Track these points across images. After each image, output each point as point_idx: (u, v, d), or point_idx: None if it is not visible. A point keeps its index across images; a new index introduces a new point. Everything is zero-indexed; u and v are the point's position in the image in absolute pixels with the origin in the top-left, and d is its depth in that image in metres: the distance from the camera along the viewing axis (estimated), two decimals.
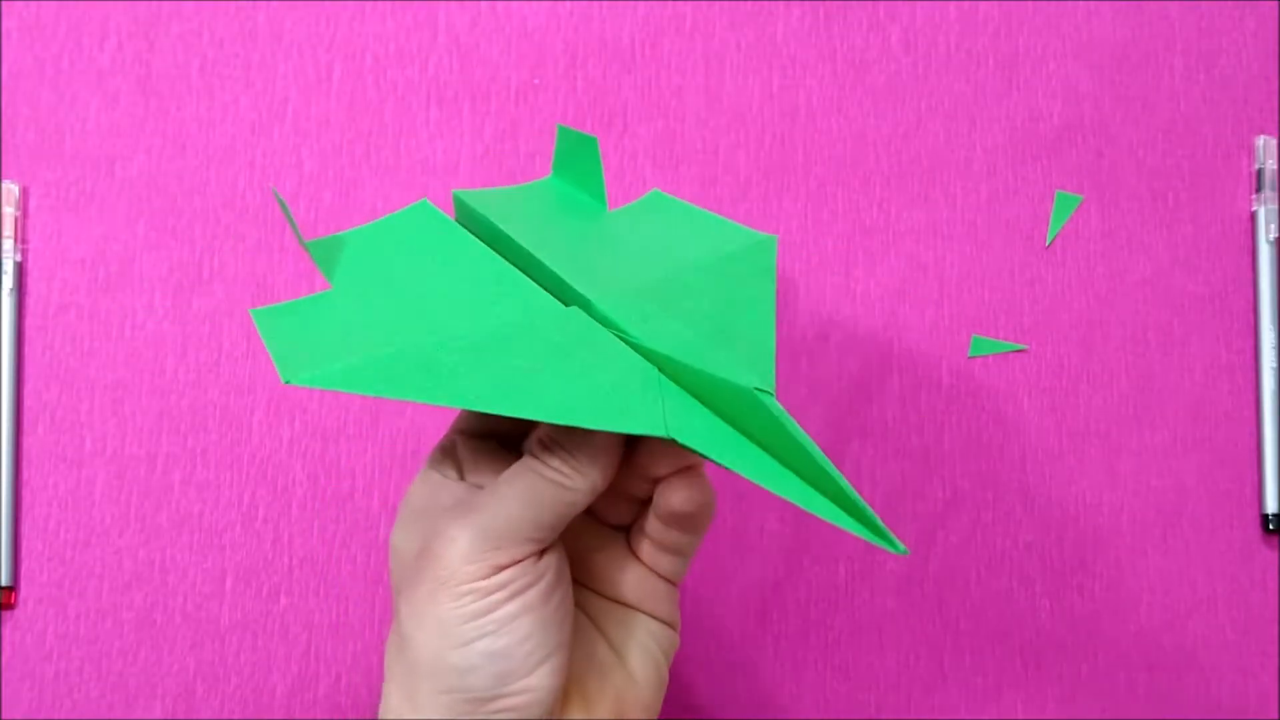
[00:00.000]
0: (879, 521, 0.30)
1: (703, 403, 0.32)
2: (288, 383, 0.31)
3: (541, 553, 0.33)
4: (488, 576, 0.32)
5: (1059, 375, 0.50)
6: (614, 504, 0.37)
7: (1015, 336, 0.51)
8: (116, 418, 0.49)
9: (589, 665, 0.36)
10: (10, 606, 0.48)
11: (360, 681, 0.48)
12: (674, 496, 0.35)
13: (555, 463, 0.33)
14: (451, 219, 0.39)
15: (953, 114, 0.52)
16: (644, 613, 0.37)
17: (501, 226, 0.37)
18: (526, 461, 0.34)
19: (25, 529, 0.48)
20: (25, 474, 0.48)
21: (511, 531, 0.33)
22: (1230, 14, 0.52)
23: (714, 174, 0.51)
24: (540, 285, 0.36)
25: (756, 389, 0.32)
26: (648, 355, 0.33)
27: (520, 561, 0.33)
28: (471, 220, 0.39)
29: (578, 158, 0.41)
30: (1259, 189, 0.51)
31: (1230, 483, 0.50)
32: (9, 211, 0.49)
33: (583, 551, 0.37)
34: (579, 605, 0.37)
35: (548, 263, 0.35)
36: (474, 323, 0.34)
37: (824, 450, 0.49)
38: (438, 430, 0.49)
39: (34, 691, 0.48)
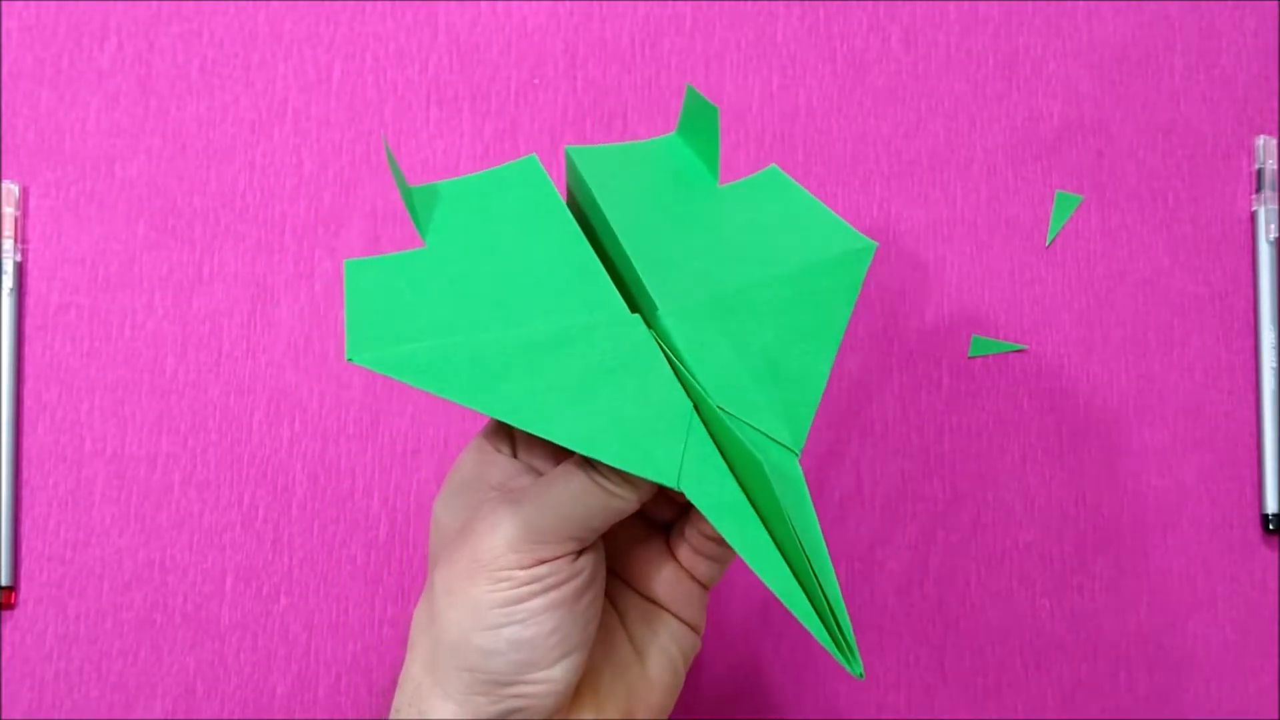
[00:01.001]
0: (850, 638, 0.30)
1: (724, 455, 0.32)
2: (351, 359, 0.31)
3: (580, 552, 0.34)
4: (526, 568, 0.33)
5: (1059, 375, 0.50)
6: (659, 503, 0.37)
7: (1015, 336, 0.51)
8: (116, 418, 0.49)
9: (606, 662, 0.36)
10: (10, 606, 0.48)
11: (360, 681, 0.48)
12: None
13: (604, 472, 0.33)
14: (551, 186, 0.38)
15: (953, 114, 0.52)
16: (671, 613, 0.37)
17: (599, 198, 0.37)
18: (577, 467, 0.34)
19: (25, 529, 0.48)
20: (25, 474, 0.48)
21: (556, 529, 0.33)
22: (1230, 14, 0.52)
23: None
24: (617, 273, 0.35)
25: (782, 445, 0.32)
26: (689, 385, 0.33)
27: (560, 558, 0.33)
28: (576, 184, 0.39)
29: (701, 123, 0.40)
30: (1259, 189, 0.51)
31: (1230, 483, 0.50)
32: (9, 211, 0.49)
33: (623, 544, 0.38)
34: (610, 597, 0.37)
35: (630, 252, 0.35)
36: (536, 319, 0.34)
37: (823, 451, 0.50)
38: (438, 430, 0.49)
39: (34, 691, 0.48)
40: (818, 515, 0.50)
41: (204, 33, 0.51)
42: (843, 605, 0.30)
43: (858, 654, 0.30)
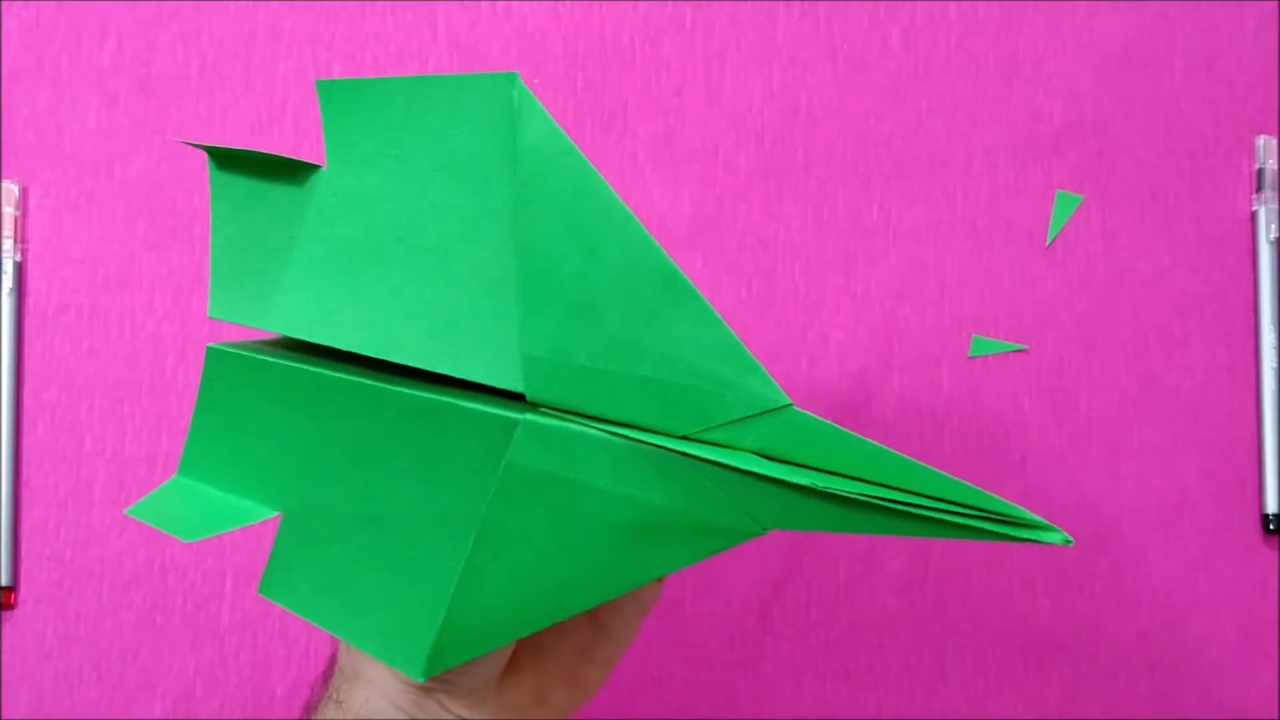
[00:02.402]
0: (1027, 516, 0.28)
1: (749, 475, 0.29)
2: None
3: None
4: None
5: (1059, 375, 0.50)
6: None
7: (1015, 336, 0.51)
8: (116, 418, 0.49)
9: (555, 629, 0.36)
10: (10, 606, 0.48)
11: None
12: None
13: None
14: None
15: (953, 114, 0.52)
16: None
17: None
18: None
19: (25, 529, 0.48)
20: (25, 474, 0.48)
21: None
22: (1230, 14, 0.52)
23: (714, 174, 0.51)
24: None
25: (780, 406, 0.29)
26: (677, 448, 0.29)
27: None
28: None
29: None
30: (1259, 189, 0.51)
31: (1230, 483, 0.50)
32: (9, 211, 0.49)
33: None
34: None
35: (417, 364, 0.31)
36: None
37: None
38: None
39: (34, 691, 0.48)
40: None
41: (204, 33, 0.51)
42: (984, 494, 0.28)
43: (1045, 523, 0.28)
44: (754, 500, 0.29)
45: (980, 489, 0.28)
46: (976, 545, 0.49)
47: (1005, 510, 0.28)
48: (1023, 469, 0.50)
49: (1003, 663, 0.49)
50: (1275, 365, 0.50)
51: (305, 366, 0.32)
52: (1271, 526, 0.49)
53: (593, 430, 0.29)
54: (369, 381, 0.31)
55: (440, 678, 0.33)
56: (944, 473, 0.29)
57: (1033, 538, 0.28)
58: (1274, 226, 0.51)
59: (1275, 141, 0.51)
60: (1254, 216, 0.51)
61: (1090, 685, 0.49)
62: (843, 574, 0.49)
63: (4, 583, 0.47)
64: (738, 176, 0.51)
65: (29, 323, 0.49)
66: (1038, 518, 0.28)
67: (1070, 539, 0.28)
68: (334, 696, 0.35)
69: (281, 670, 0.48)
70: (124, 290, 0.50)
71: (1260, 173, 0.51)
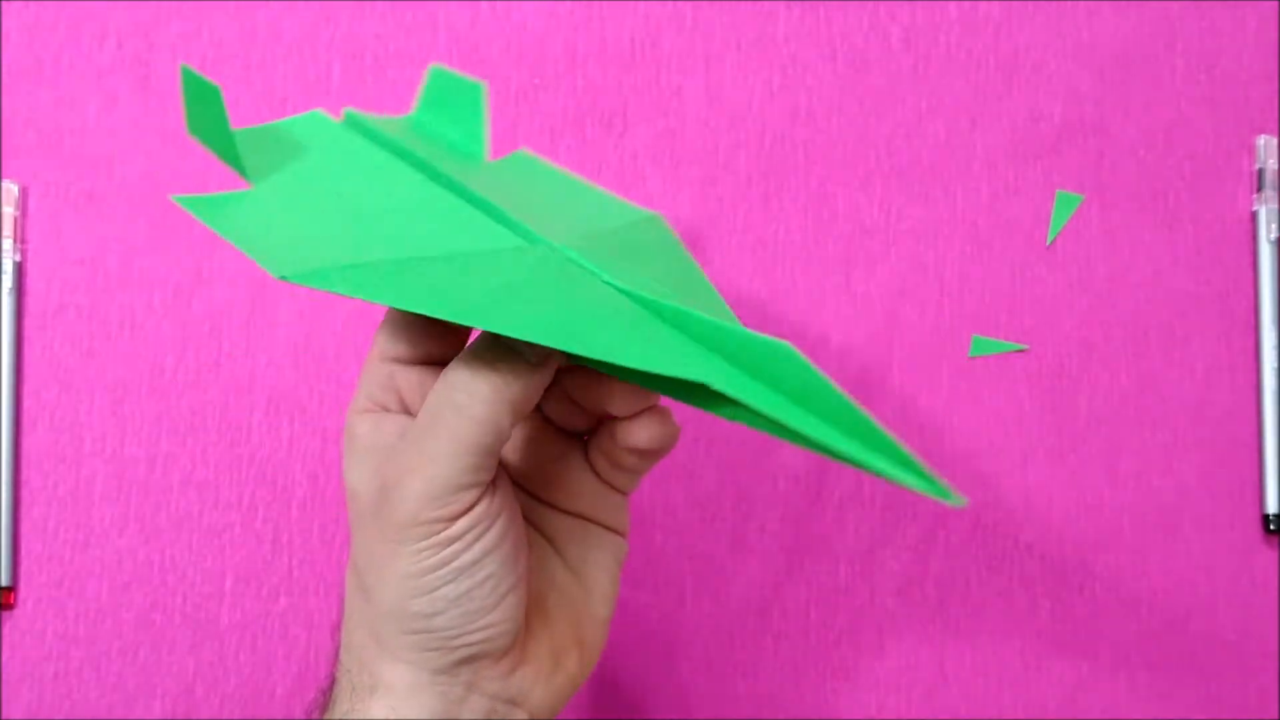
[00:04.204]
0: (934, 475, 0.28)
1: (717, 352, 0.31)
2: (279, 276, 0.31)
3: (489, 491, 0.33)
4: (442, 531, 0.32)
5: (1059, 375, 0.50)
6: (569, 411, 0.37)
7: (1015, 336, 0.51)
8: (116, 418, 0.49)
9: (547, 587, 0.37)
10: (10, 606, 0.48)
11: None
12: (640, 435, 0.35)
13: (479, 388, 0.32)
14: (357, 137, 0.38)
15: (953, 114, 0.52)
16: (598, 524, 0.38)
17: (413, 150, 0.37)
18: (449, 395, 0.33)
19: (25, 529, 0.48)
20: (25, 474, 0.48)
21: (452, 483, 0.32)
22: (1230, 14, 0.52)
23: (714, 174, 0.51)
24: (490, 219, 0.35)
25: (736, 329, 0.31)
26: (648, 306, 0.32)
27: (472, 508, 0.33)
28: (377, 144, 0.39)
29: (459, 101, 0.40)
30: (1259, 189, 0.51)
31: (1230, 483, 0.50)
32: (9, 211, 0.49)
33: (541, 461, 0.37)
34: (535, 523, 0.37)
35: (488, 198, 0.35)
36: (445, 242, 0.34)
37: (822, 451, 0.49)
38: None
39: (34, 691, 0.48)
40: (817, 517, 0.50)
41: (204, 33, 0.51)
42: (913, 454, 0.29)
43: (948, 485, 0.28)
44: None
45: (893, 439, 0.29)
46: (976, 545, 0.49)
47: (903, 455, 0.29)
48: (1023, 469, 0.50)
49: (1003, 663, 0.49)
50: (1275, 365, 0.50)
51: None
52: (1271, 526, 0.49)
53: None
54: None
55: (458, 646, 0.33)
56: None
57: (922, 488, 0.29)
58: (1274, 226, 0.51)
59: (1275, 141, 0.51)
60: (1254, 216, 0.51)
61: (1090, 685, 0.49)
62: (843, 574, 0.49)
63: (4, 583, 0.47)
64: (738, 176, 0.51)
65: (29, 323, 0.49)
66: (935, 478, 0.28)
67: (964, 500, 0.28)
68: (346, 718, 0.34)
69: (282, 670, 0.48)
70: (124, 290, 0.50)
71: (1260, 173, 0.51)
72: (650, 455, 0.36)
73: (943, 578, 0.49)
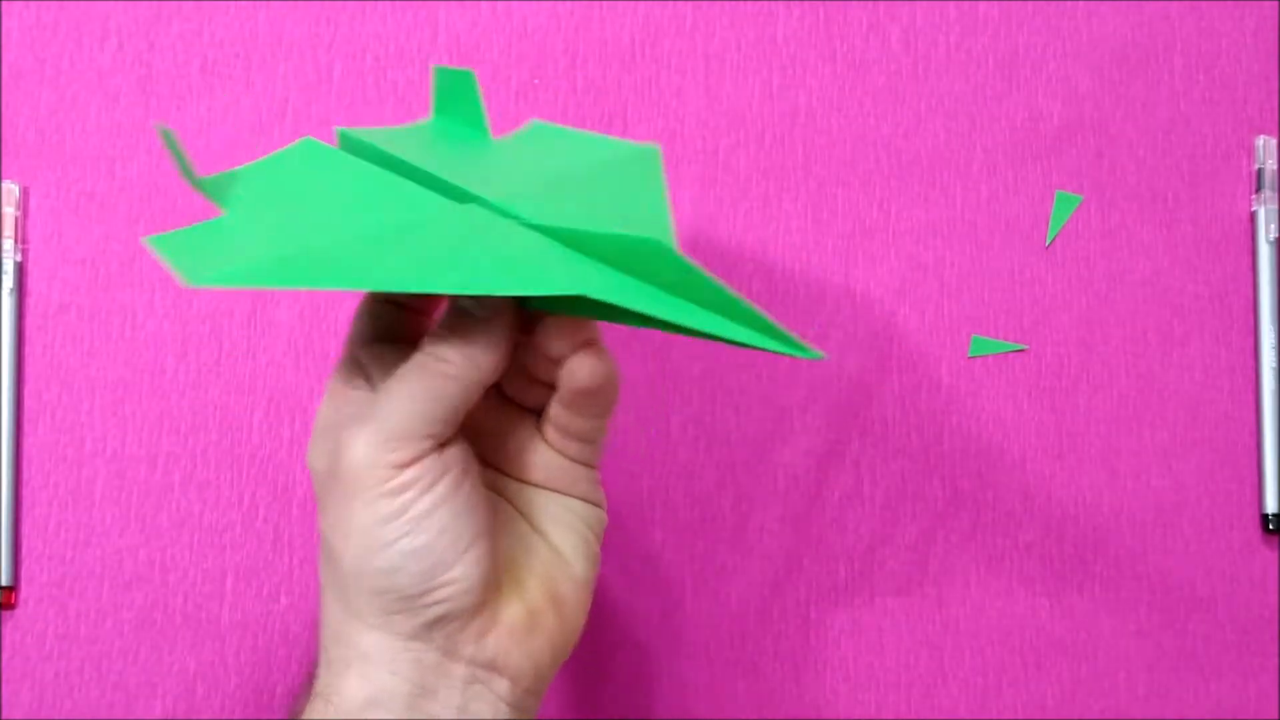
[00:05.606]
0: (795, 337, 0.32)
1: (607, 264, 0.33)
2: (193, 284, 0.32)
3: (443, 446, 0.34)
4: (392, 479, 0.33)
5: (1059, 375, 0.50)
6: (525, 387, 0.37)
7: (1015, 336, 0.51)
8: (116, 418, 0.49)
9: (517, 549, 0.37)
10: (10, 606, 0.48)
11: None
12: (578, 372, 0.35)
13: (443, 351, 0.34)
14: (338, 151, 0.39)
15: (953, 114, 0.52)
16: (560, 493, 0.38)
17: (388, 150, 0.38)
18: (415, 358, 0.34)
19: (25, 529, 0.48)
20: (25, 474, 0.48)
21: (405, 430, 0.33)
22: (1230, 14, 0.52)
23: (714, 174, 0.51)
24: (433, 192, 0.37)
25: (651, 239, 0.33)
26: (548, 234, 0.34)
27: (422, 459, 0.33)
28: (359, 153, 0.40)
29: (457, 96, 0.42)
30: (1259, 189, 0.51)
31: (1230, 483, 0.50)
32: (9, 211, 0.49)
33: (495, 435, 0.38)
34: (498, 490, 0.38)
35: (437, 173, 0.36)
36: (371, 222, 0.35)
37: (823, 451, 0.50)
38: None
39: (34, 691, 0.48)
40: (817, 517, 0.50)
41: (204, 33, 0.51)
42: (774, 322, 0.32)
43: (808, 345, 0.32)
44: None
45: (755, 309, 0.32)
46: (976, 545, 0.49)
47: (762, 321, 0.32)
48: (1023, 469, 0.50)
49: (1002, 663, 0.49)
50: (1275, 365, 0.50)
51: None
52: (1271, 526, 0.49)
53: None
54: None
55: (422, 606, 0.33)
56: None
57: (787, 350, 0.32)
58: (1274, 226, 0.51)
59: (1275, 141, 0.51)
60: (1254, 216, 0.51)
61: (1090, 685, 0.49)
62: (843, 574, 0.49)
63: (4, 583, 0.47)
64: (738, 176, 0.51)
65: (29, 323, 0.49)
66: (796, 340, 0.32)
67: (823, 354, 0.32)
68: (321, 694, 0.35)
69: (282, 670, 0.48)
70: (124, 290, 0.50)
71: (1260, 173, 0.51)
72: (593, 403, 0.36)
73: (943, 578, 0.49)
